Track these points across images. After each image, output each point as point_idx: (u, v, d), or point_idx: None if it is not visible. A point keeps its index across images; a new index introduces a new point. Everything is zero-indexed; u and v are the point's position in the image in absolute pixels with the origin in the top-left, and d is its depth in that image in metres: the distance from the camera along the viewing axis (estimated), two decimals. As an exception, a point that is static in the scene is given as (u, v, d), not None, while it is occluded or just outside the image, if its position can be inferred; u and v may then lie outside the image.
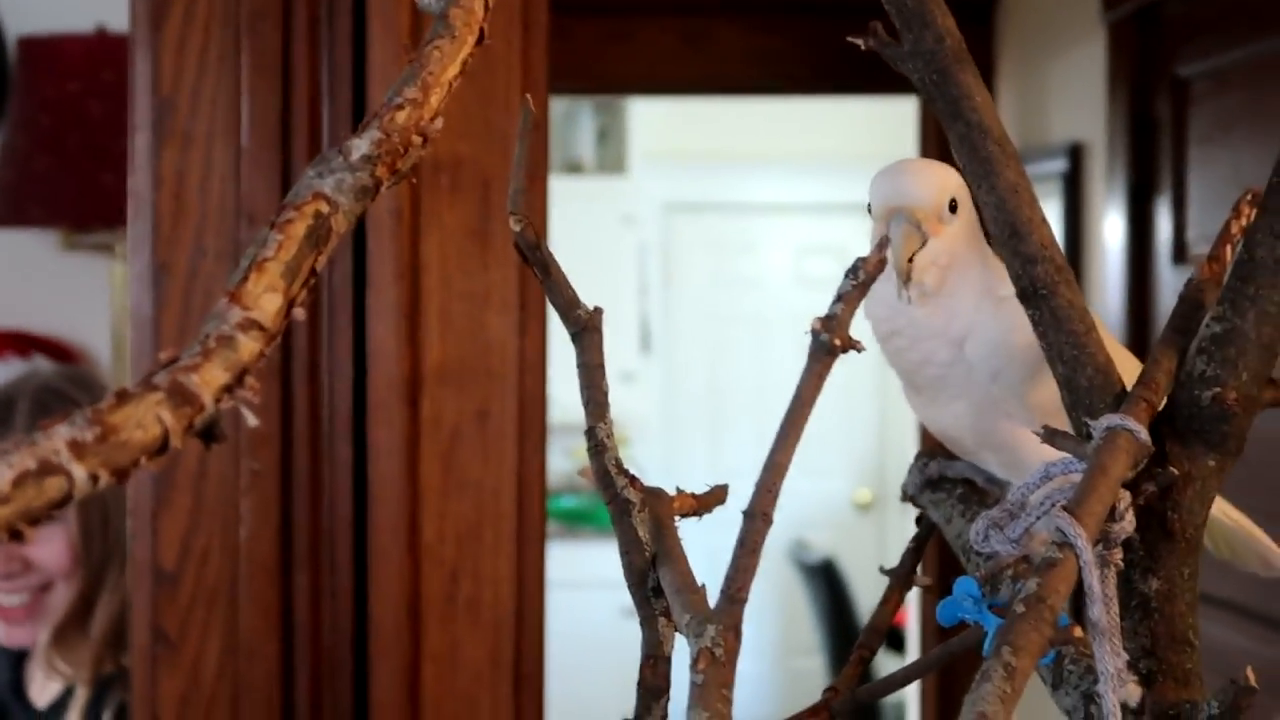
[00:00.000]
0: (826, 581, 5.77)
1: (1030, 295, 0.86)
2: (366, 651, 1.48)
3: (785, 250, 6.82)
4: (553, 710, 1.63)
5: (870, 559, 5.90)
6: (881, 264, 0.76)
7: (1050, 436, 0.86)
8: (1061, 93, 3.68)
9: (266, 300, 0.61)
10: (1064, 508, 0.78)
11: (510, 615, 1.50)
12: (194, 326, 1.45)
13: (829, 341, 0.74)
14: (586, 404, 0.84)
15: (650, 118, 6.42)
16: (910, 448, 6.40)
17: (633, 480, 0.85)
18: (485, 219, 1.47)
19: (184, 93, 1.45)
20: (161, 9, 1.44)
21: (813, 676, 6.15)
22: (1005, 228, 0.86)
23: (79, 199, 2.65)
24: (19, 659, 2.15)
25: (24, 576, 2.07)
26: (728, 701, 0.70)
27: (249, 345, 0.59)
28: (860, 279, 0.75)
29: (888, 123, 5.49)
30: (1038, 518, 0.83)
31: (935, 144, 4.13)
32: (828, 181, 6.62)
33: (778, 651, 6.44)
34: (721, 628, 0.73)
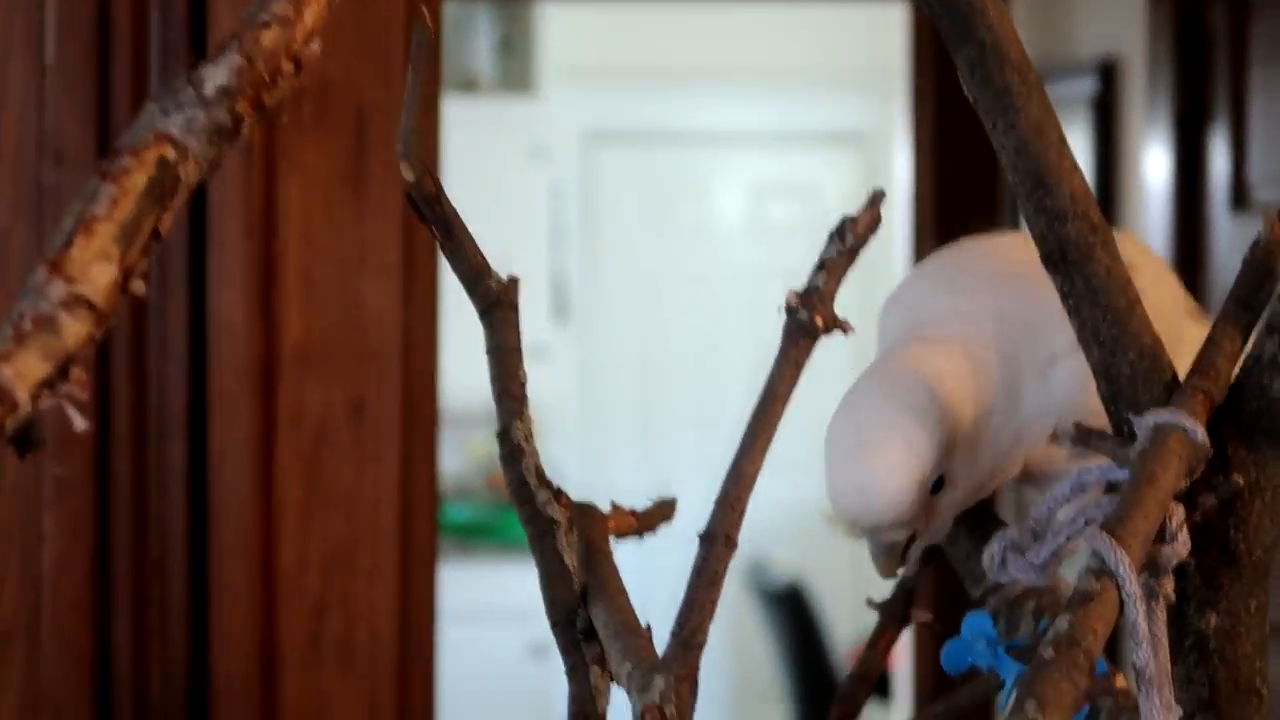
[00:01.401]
0: (792, 611, 5.81)
1: (1058, 261, 0.87)
2: (206, 710, 1.49)
3: (738, 191, 6.85)
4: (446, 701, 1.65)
5: (847, 584, 5.94)
6: (874, 224, 0.77)
7: (1083, 436, 0.88)
8: (1090, -5, 3.73)
9: (97, 272, 0.61)
10: (1102, 526, 0.80)
11: (392, 659, 1.51)
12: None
13: (809, 320, 0.76)
14: (499, 398, 0.85)
15: (566, 23, 6.42)
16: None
17: (558, 494, 0.86)
18: (359, 159, 1.48)
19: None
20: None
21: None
22: (1028, 177, 0.88)
23: None
24: None
25: None
26: (684, 770, 0.72)
27: (75, 328, 0.60)
28: (848, 243, 0.77)
29: (869, 33, 5.52)
30: (1068, 538, 0.85)
31: (932, 63, 4.16)
32: (793, 105, 6.64)
33: (730, 698, 6.48)
34: (673, 679, 0.75)
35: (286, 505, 1.49)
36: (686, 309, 6.78)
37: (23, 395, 0.58)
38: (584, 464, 6.54)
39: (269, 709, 1.49)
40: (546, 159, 6.40)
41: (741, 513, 0.76)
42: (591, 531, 0.85)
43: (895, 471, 0.91)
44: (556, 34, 6.44)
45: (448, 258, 0.85)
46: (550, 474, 0.86)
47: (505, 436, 0.86)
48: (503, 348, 0.85)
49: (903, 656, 4.59)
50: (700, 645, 0.76)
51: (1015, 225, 3.91)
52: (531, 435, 0.86)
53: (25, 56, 1.46)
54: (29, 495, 1.46)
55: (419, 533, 1.52)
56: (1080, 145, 3.58)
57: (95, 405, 1.47)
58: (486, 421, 5.72)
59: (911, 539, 0.95)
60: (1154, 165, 3.31)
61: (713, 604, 0.76)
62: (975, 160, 4.14)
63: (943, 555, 1.12)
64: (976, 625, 0.96)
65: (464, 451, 5.63)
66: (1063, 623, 0.77)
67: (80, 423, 0.59)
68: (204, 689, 1.50)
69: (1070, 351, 0.92)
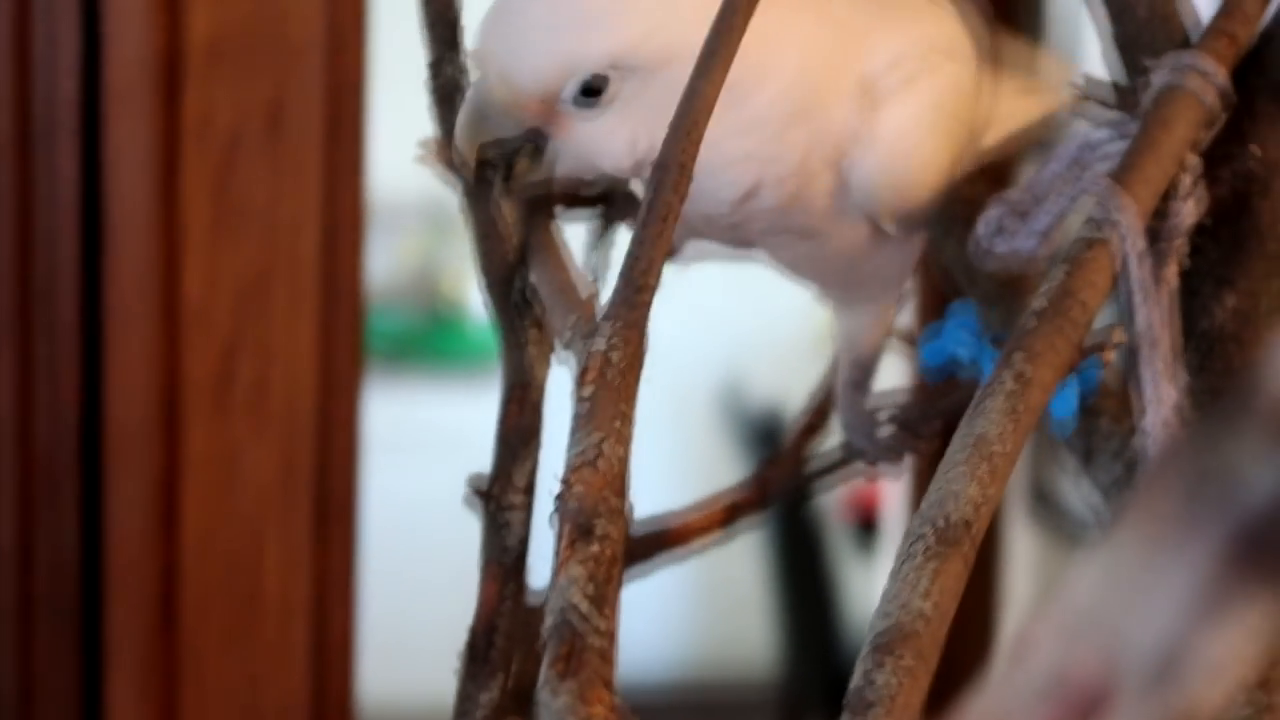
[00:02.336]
0: (771, 442, 5.83)
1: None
2: (99, 458, 1.52)
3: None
4: (372, 547, 1.68)
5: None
6: None
7: (1091, 87, 0.90)
8: None
9: None
10: (1108, 175, 0.83)
11: (311, 409, 1.54)
12: None
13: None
14: (427, 27, 0.88)
15: None
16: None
17: (495, 142, 0.88)
18: None
19: None
20: None
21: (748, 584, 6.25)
22: None
23: None
24: None
25: None
26: (629, 420, 0.75)
27: None
28: None
29: None
30: (1074, 198, 0.87)
31: None
32: None
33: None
34: (620, 325, 0.77)
35: (192, 225, 1.50)
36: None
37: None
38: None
39: (170, 459, 1.52)
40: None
41: (698, 140, 0.77)
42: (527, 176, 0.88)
43: (552, 32, 0.88)
44: None
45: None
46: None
47: (437, 68, 0.88)
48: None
49: (890, 501, 4.60)
50: (652, 288, 0.78)
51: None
52: (466, 71, 0.89)
53: None
54: (-106, 206, 1.48)
55: (343, 262, 1.53)
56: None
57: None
58: (420, 217, 5.68)
59: (529, 152, 0.90)
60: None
61: (666, 240, 0.78)
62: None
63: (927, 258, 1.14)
64: (960, 315, 0.98)
65: (393, 254, 5.60)
66: (1057, 273, 0.80)
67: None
68: (96, 433, 1.52)
69: (901, 90, 0.92)
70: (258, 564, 1.54)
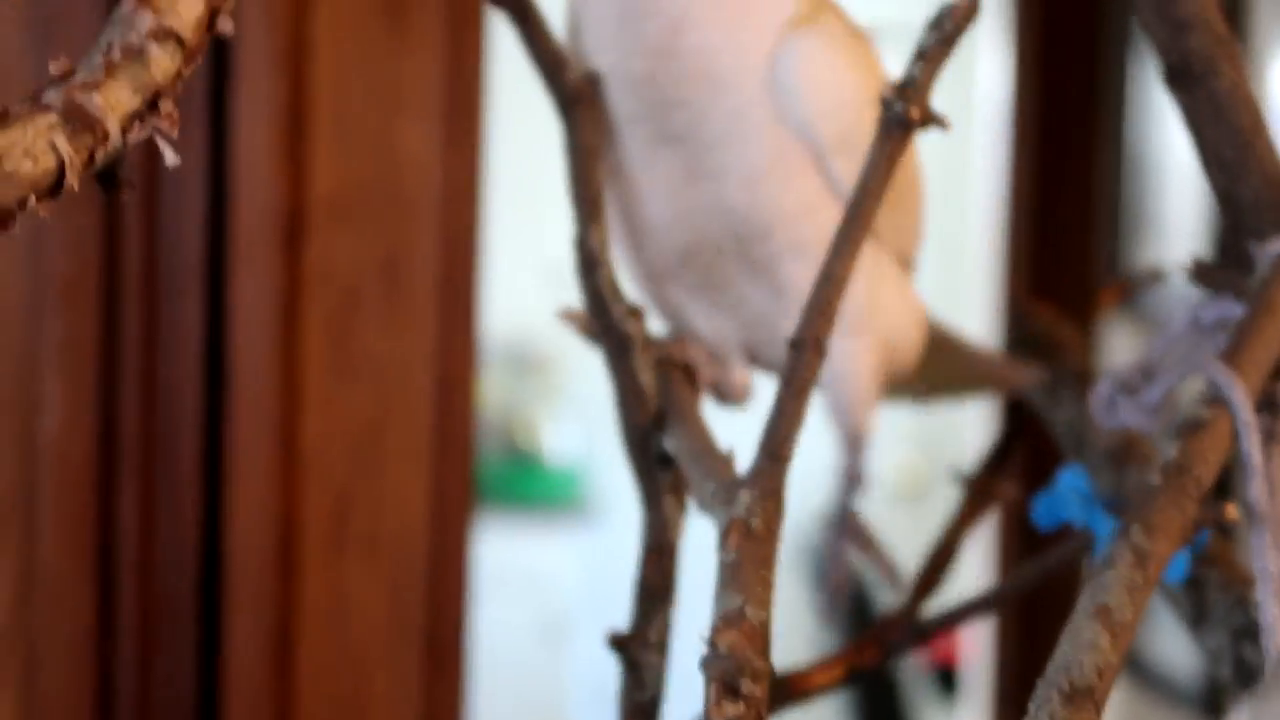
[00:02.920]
0: (853, 603, 5.82)
1: (1181, 75, 0.94)
2: (218, 599, 1.56)
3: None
4: (481, 689, 1.71)
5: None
6: (972, 11, 0.85)
7: (1201, 271, 0.95)
8: None
9: (185, 5, 0.69)
10: (1218, 355, 0.88)
11: (422, 554, 1.57)
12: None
13: (904, 113, 0.83)
14: (575, 200, 0.93)
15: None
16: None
17: (634, 311, 0.93)
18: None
19: None
20: None
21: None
22: (1148, -18, 0.95)
23: None
24: None
25: None
26: (768, 585, 0.79)
27: (163, 62, 0.67)
28: (946, 31, 0.84)
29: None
30: (1182, 376, 0.92)
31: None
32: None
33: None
34: (759, 492, 0.81)
35: (310, 375, 1.54)
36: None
37: (114, 126, 0.66)
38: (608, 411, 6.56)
39: (286, 602, 1.55)
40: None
41: (831, 318, 0.83)
42: (669, 356, 0.93)
43: None
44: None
45: (526, 46, 0.92)
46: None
47: (582, 244, 0.93)
48: (580, 148, 0.92)
49: (972, 650, 4.58)
50: (788, 458, 0.82)
51: (1121, 134, 3.97)
52: (607, 244, 0.93)
53: None
54: (24, 351, 1.52)
55: (455, 412, 1.58)
56: None
57: (101, 255, 1.53)
58: (501, 357, 5.67)
59: None
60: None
61: (801, 414, 0.83)
62: (1075, 53, 4.18)
63: (1036, 423, 1.19)
64: (1071, 479, 1.02)
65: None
66: (1171, 450, 0.85)
67: (172, 158, 0.67)
68: (216, 575, 1.56)
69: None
70: (368, 702, 1.58)
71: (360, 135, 1.55)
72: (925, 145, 0.93)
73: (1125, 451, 1.04)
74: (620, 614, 0.95)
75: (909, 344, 1.06)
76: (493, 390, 5.65)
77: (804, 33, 0.96)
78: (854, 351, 1.00)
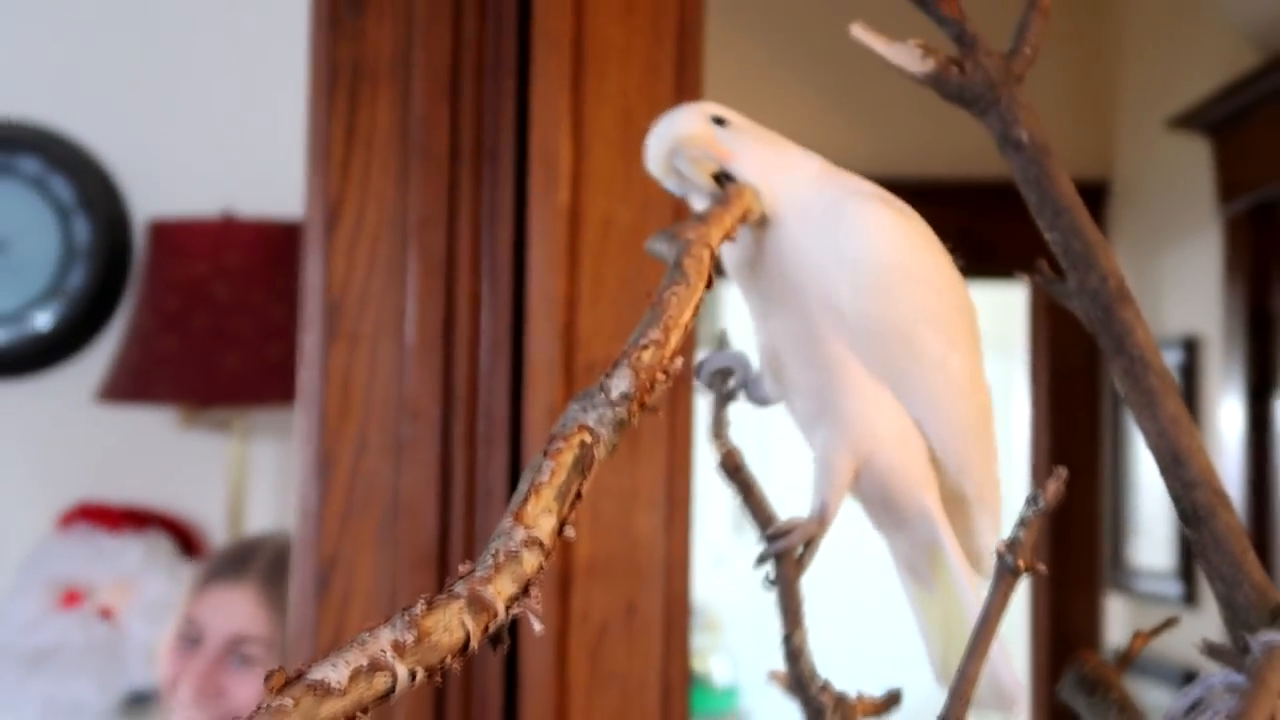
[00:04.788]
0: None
1: (1191, 519, 0.96)
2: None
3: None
4: None
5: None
6: (1059, 493, 0.87)
7: (1213, 650, 0.96)
8: (1176, 284, 3.80)
9: (544, 520, 0.73)
10: (1227, 718, 0.89)
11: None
12: (356, 519, 1.58)
13: (1013, 563, 0.86)
14: (784, 613, 0.95)
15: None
16: (1011, 640, 6.37)
17: (824, 687, 0.96)
18: (636, 436, 1.59)
19: (352, 294, 1.60)
20: (335, 214, 1.60)
21: None
22: (1167, 454, 0.97)
23: (201, 377, 2.81)
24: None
25: (212, 702, 2.19)
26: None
27: (531, 560, 0.71)
28: (1040, 506, 0.87)
29: (993, 304, 5.60)
30: (1203, 725, 0.93)
31: (1045, 331, 4.25)
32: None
33: None
34: None
35: (576, 684, 1.58)
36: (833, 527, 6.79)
37: (500, 607, 0.69)
38: (754, 650, 6.57)
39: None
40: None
41: (968, 704, 0.85)
42: (847, 713, 0.94)
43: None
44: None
45: (746, 510, 0.95)
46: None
47: (789, 641, 0.95)
48: (785, 578, 0.95)
49: None
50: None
51: (1116, 468, 3.95)
52: (806, 641, 0.96)
53: (391, 340, 1.60)
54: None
55: (674, 710, 1.60)
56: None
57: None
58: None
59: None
60: (1228, 422, 3.36)
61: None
62: (1080, 410, 4.20)
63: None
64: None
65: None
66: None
67: (538, 627, 0.70)
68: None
69: None
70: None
71: (609, 519, 1.60)
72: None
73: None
74: None
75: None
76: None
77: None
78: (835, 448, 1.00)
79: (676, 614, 1.59)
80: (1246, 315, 3.26)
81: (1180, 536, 3.62)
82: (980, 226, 4.24)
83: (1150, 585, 3.78)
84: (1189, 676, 3.36)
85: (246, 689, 2.19)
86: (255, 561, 2.26)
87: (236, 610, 2.21)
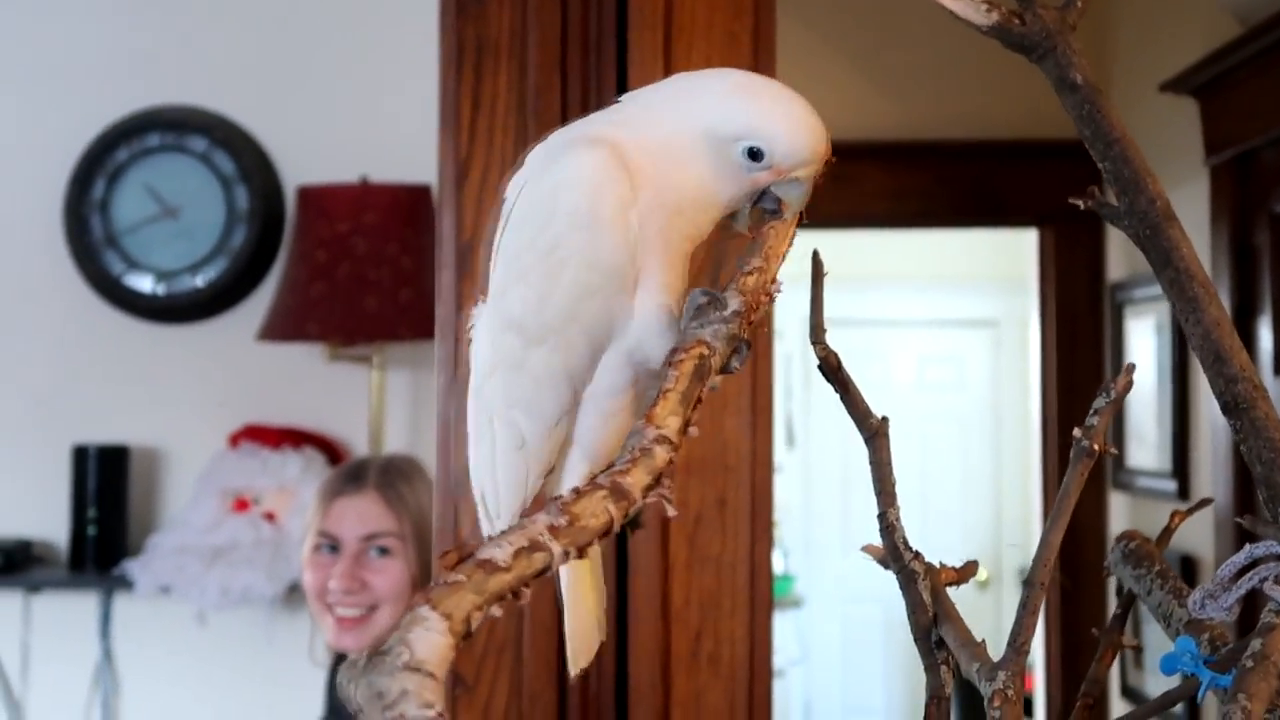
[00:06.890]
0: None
1: (1232, 408, 0.90)
2: (627, 699, 1.54)
3: (909, 360, 6.84)
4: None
5: (990, 634, 5.82)
6: (1128, 385, 0.82)
7: (1254, 525, 0.91)
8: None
9: (671, 421, 0.69)
10: (1276, 579, 0.83)
11: (744, 668, 1.55)
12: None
13: (1089, 446, 0.80)
14: (878, 493, 0.90)
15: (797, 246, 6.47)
16: (1023, 526, 6.35)
17: (916, 555, 0.90)
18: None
19: (480, 238, 1.55)
20: (464, 170, 1.55)
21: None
22: (1210, 353, 0.91)
23: (345, 319, 2.79)
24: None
25: (359, 594, 2.18)
26: (1022, 730, 0.76)
27: (662, 455, 0.67)
28: (1112, 396, 0.81)
29: (1008, 249, 5.50)
30: (1246, 591, 0.88)
31: (1053, 271, 4.16)
32: (948, 299, 6.64)
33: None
34: (1010, 673, 0.79)
35: (676, 565, 1.54)
36: (874, 438, 6.71)
37: (637, 494, 0.65)
38: (804, 545, 6.53)
39: (665, 700, 1.54)
40: (780, 338, 6.45)
41: (1051, 567, 0.80)
42: (936, 579, 0.89)
43: None
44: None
45: (844, 405, 0.90)
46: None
47: (884, 517, 0.90)
48: (880, 462, 0.90)
49: (1038, 686, 4.40)
50: (1026, 651, 0.80)
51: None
52: (900, 517, 0.91)
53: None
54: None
55: (761, 587, 1.56)
56: (1163, 335, 3.56)
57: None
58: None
59: None
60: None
61: (1033, 626, 0.80)
62: (1084, 337, 4.11)
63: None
64: (1184, 645, 0.97)
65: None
66: (1256, 644, 0.80)
67: (671, 511, 0.66)
68: (625, 686, 1.55)
69: None
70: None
71: (702, 424, 1.55)
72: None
73: (1196, 627, 0.99)
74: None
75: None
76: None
77: None
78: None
79: (760, 505, 1.55)
80: (1232, 251, 3.17)
81: (1174, 440, 3.53)
82: (993, 180, 4.16)
83: (1147, 483, 3.70)
84: (1185, 560, 3.28)
85: (385, 578, 2.18)
86: (369, 473, 2.24)
87: (365, 513, 2.19)
